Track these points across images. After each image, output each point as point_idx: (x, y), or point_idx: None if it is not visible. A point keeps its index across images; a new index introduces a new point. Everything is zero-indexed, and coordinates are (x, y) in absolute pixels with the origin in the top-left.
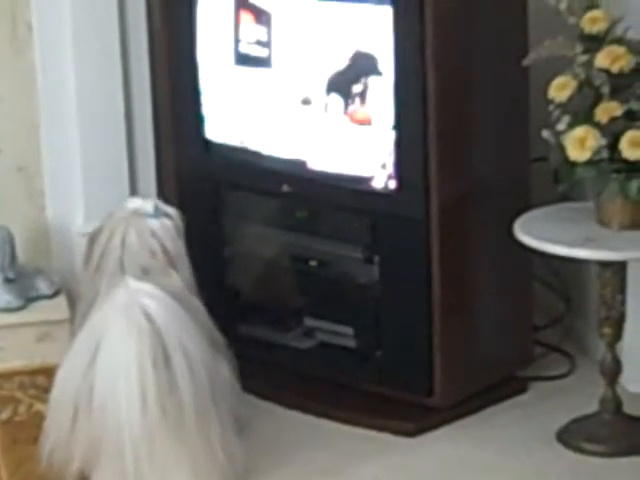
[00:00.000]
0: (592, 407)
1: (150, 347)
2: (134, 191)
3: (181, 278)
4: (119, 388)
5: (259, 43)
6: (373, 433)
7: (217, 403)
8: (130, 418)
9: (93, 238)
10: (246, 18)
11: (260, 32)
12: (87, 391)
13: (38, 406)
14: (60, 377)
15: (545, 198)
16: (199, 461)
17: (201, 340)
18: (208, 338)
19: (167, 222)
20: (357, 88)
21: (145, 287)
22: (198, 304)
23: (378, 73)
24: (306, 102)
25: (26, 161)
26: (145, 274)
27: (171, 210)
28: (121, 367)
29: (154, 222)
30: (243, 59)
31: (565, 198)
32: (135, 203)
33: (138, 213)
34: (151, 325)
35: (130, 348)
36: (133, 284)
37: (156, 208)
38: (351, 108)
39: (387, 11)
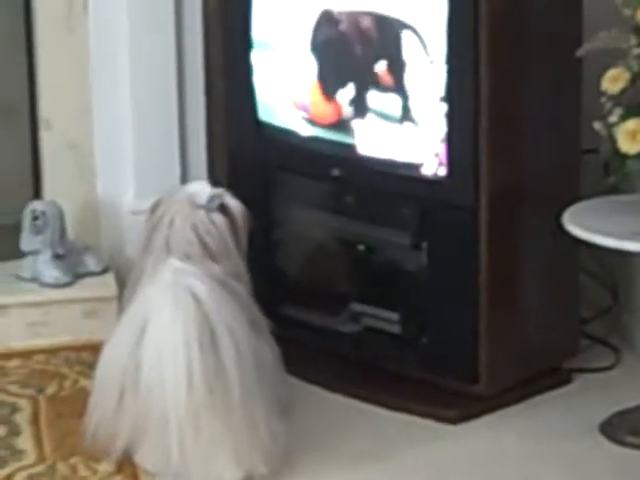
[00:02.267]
0: (636, 400)
1: (197, 327)
2: (185, 171)
3: (223, 270)
4: (166, 368)
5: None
6: (416, 419)
7: (262, 384)
8: (176, 397)
9: (152, 210)
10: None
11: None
12: (133, 370)
13: (83, 382)
14: (106, 355)
15: (595, 190)
16: (242, 442)
17: (245, 323)
18: (251, 322)
19: (217, 217)
20: (410, 75)
21: (189, 268)
22: (241, 289)
23: (431, 61)
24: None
25: (78, 139)
26: (187, 259)
27: (234, 206)
28: (168, 347)
29: (200, 214)
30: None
31: (615, 190)
32: (195, 188)
33: (191, 200)
34: (198, 305)
35: (177, 328)
36: (177, 265)
37: (210, 200)
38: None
39: (442, 1)
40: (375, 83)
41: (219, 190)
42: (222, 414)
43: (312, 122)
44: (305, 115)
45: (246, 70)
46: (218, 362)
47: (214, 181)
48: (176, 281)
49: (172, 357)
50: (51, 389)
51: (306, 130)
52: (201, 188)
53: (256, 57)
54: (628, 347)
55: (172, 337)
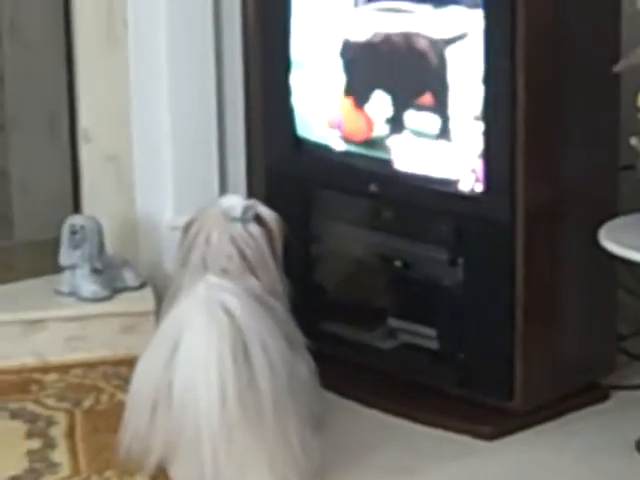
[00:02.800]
0: None
1: (230, 342)
2: (224, 186)
3: (262, 283)
4: (199, 383)
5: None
6: (451, 435)
7: (295, 400)
8: (209, 413)
9: (185, 229)
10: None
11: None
12: (166, 385)
13: (120, 396)
14: (139, 371)
15: (634, 206)
16: (276, 456)
17: (280, 338)
18: (287, 337)
19: (254, 228)
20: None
21: (225, 283)
22: (277, 305)
23: (466, 80)
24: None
25: (117, 152)
26: (224, 274)
27: (269, 215)
28: (201, 362)
29: (237, 227)
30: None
31: None
32: (228, 202)
33: (226, 214)
34: (231, 320)
35: (210, 343)
36: (213, 280)
37: (245, 212)
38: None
39: (478, 15)
40: (416, 104)
41: (251, 201)
42: (255, 429)
43: (346, 140)
44: (339, 133)
45: (284, 87)
46: (251, 377)
47: (253, 197)
48: (210, 296)
49: (205, 372)
50: (87, 403)
51: (341, 146)
52: (234, 201)
53: (294, 75)
54: None
55: (205, 352)
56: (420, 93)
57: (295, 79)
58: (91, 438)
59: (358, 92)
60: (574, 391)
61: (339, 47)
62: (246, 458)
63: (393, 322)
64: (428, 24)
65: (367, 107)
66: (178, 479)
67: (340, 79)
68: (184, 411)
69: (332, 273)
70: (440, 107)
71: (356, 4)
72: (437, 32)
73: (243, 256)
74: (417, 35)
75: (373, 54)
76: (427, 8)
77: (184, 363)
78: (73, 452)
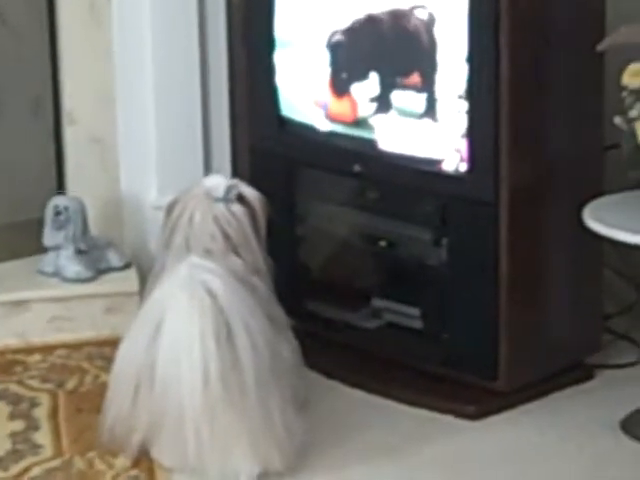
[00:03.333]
0: None
1: (213, 322)
2: (208, 166)
3: (245, 263)
4: (181, 363)
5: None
6: (435, 415)
7: (278, 380)
8: (192, 393)
9: (168, 211)
10: None
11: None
12: (149, 366)
13: (104, 377)
14: (122, 351)
15: (621, 186)
16: (259, 436)
17: (263, 318)
18: (270, 317)
19: (237, 208)
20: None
21: (207, 264)
22: (261, 285)
23: (451, 60)
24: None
25: (101, 133)
26: (207, 255)
27: (251, 194)
28: (184, 342)
29: (220, 207)
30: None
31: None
32: (211, 182)
33: (209, 194)
34: (213, 301)
35: (193, 323)
36: (196, 260)
37: (228, 191)
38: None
39: None
40: (403, 84)
41: (234, 181)
42: (238, 409)
43: (332, 119)
44: (325, 113)
45: (268, 67)
46: (234, 357)
47: (237, 177)
48: (192, 277)
49: (188, 352)
50: (71, 384)
51: (326, 126)
52: (216, 181)
53: (279, 54)
54: None
55: (188, 332)
56: (408, 73)
57: (279, 59)
58: (74, 419)
59: (345, 72)
60: (559, 370)
61: (324, 25)
62: (229, 438)
63: (378, 302)
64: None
65: (353, 87)
66: (161, 460)
67: (325, 58)
68: (167, 391)
69: (317, 253)
70: (426, 86)
71: None
72: (423, 10)
73: (226, 236)
74: (406, 14)
75: (360, 33)
76: None
77: (166, 344)
78: (56, 433)
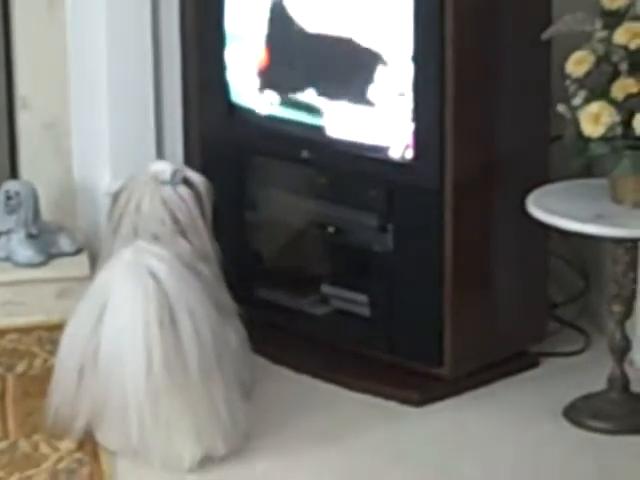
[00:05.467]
0: (603, 384)
1: (156, 307)
2: (160, 153)
3: (193, 247)
4: (125, 347)
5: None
6: (380, 401)
7: (222, 366)
8: (135, 377)
9: (114, 198)
10: None
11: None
12: (93, 350)
13: (53, 361)
14: (67, 335)
15: (567, 175)
16: (203, 422)
17: (208, 304)
18: (216, 303)
19: (183, 191)
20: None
21: (152, 249)
22: (207, 271)
23: (397, 46)
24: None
25: (54, 119)
26: (155, 240)
27: (196, 178)
28: (127, 326)
29: (168, 190)
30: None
31: (586, 175)
32: (156, 167)
33: (156, 178)
34: (157, 285)
35: (136, 307)
36: (141, 245)
37: (174, 175)
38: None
39: None
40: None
41: (179, 165)
42: (181, 394)
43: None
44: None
45: (220, 57)
46: (177, 342)
47: (189, 164)
48: (136, 261)
49: (131, 336)
50: (20, 368)
51: (276, 111)
52: (162, 166)
53: (229, 46)
54: (598, 331)
55: (131, 316)
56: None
57: (231, 51)
58: (21, 402)
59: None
60: (504, 358)
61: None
62: (172, 422)
63: (326, 288)
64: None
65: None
66: (105, 443)
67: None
68: (110, 376)
69: (267, 239)
70: (372, 74)
71: None
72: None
73: (175, 219)
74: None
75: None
76: None
77: (110, 328)
78: (2, 416)
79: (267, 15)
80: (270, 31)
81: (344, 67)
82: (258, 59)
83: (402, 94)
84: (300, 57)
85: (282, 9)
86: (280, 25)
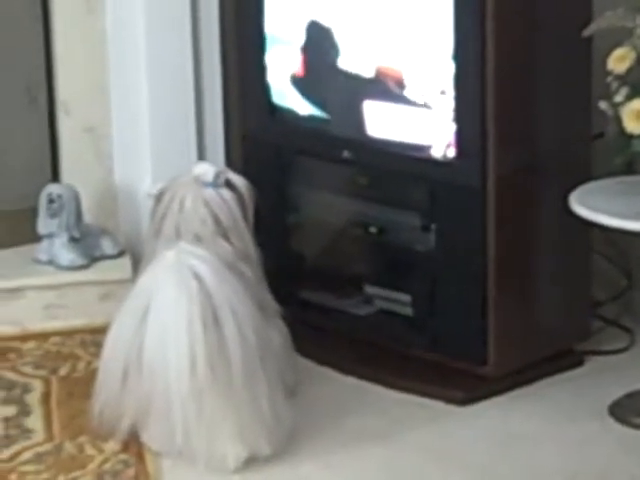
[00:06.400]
0: None
1: (200, 307)
2: (202, 155)
3: (235, 248)
4: (169, 347)
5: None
6: (425, 400)
7: (265, 366)
8: (179, 377)
9: (158, 199)
10: None
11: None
12: (137, 351)
13: (97, 363)
14: (111, 337)
15: (609, 172)
16: (246, 421)
17: (251, 305)
18: (259, 304)
19: (226, 193)
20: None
21: (195, 250)
22: (249, 272)
23: (438, 45)
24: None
25: (95, 122)
26: (197, 241)
27: (239, 181)
28: (171, 327)
29: (210, 191)
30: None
31: (630, 172)
32: (199, 169)
33: (198, 180)
34: (200, 285)
35: (180, 308)
36: (184, 246)
37: (217, 177)
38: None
39: None
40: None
41: (222, 168)
42: (225, 394)
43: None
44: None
45: (260, 55)
46: (221, 342)
47: (230, 166)
48: (179, 261)
49: (174, 337)
50: (64, 370)
51: (317, 111)
52: (205, 168)
53: (269, 48)
54: None
55: (174, 317)
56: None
57: (271, 52)
58: (66, 405)
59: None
60: (548, 357)
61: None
62: (216, 422)
63: (369, 289)
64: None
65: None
66: (150, 444)
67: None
68: (154, 377)
69: (309, 240)
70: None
71: None
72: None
73: (217, 220)
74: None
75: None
76: None
77: (154, 328)
78: (47, 418)
79: (304, 22)
80: (307, 38)
81: (384, 68)
82: (296, 63)
83: (443, 92)
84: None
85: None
86: (317, 34)
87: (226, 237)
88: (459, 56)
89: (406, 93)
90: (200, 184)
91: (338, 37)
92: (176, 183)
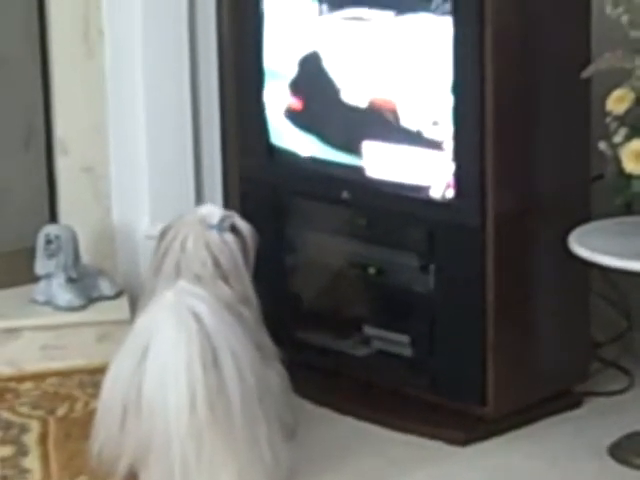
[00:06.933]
0: None
1: (199, 348)
2: (200, 195)
3: (234, 291)
4: (168, 388)
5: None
6: (424, 441)
7: (265, 407)
8: (178, 418)
9: (161, 236)
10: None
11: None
12: (136, 391)
13: (95, 404)
14: (110, 376)
15: (609, 213)
16: (246, 463)
17: (250, 346)
18: (258, 346)
19: (229, 237)
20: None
21: (195, 290)
22: (248, 314)
23: (437, 85)
24: (367, 110)
25: (93, 163)
26: (197, 281)
27: (244, 226)
28: (170, 367)
29: (213, 234)
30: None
31: (629, 212)
32: (206, 210)
33: (203, 221)
34: (200, 326)
35: (179, 349)
36: (184, 286)
37: (222, 220)
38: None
39: (447, 22)
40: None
41: (229, 212)
42: (224, 434)
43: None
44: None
45: (258, 98)
46: (220, 383)
47: (228, 206)
48: (179, 301)
49: (174, 377)
50: (62, 411)
51: (315, 152)
52: (212, 210)
53: (269, 86)
54: None
55: (174, 357)
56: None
57: (269, 90)
58: (63, 445)
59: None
60: (548, 398)
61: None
62: (215, 465)
63: (368, 329)
64: (393, 33)
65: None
66: None
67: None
68: (153, 416)
69: (307, 281)
70: (412, 114)
71: (320, 13)
72: (402, 41)
73: (217, 263)
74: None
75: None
76: (391, 15)
77: (153, 368)
78: (45, 459)
79: (299, 59)
80: (301, 75)
81: (382, 109)
82: (293, 101)
83: (442, 133)
84: (335, 104)
85: (315, 57)
86: (312, 71)
87: (226, 280)
88: (458, 98)
89: (404, 134)
90: (205, 225)
91: (335, 71)
92: (181, 222)
